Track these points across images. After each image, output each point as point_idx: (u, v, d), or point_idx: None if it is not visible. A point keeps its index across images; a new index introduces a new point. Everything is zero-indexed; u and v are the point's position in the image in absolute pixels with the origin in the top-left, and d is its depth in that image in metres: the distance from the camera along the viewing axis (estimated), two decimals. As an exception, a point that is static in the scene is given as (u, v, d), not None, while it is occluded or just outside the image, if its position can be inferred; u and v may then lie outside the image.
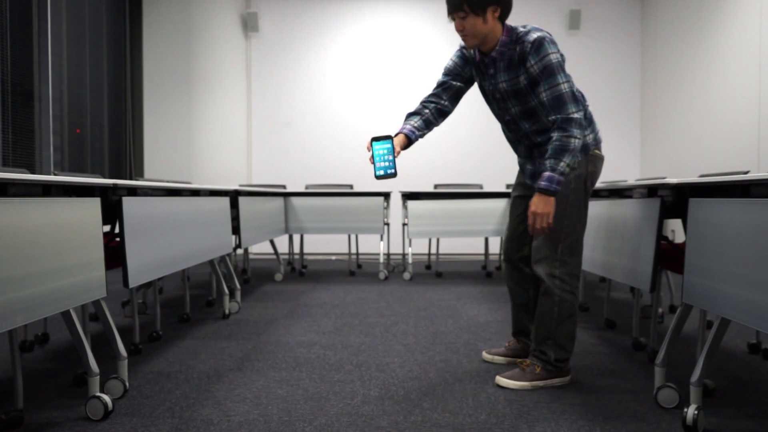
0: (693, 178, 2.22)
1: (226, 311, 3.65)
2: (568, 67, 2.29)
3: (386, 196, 5.40)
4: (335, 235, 5.70)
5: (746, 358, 2.77)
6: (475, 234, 5.28)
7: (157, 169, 6.35)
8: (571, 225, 2.29)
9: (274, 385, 2.35)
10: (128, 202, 2.36)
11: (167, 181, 4.01)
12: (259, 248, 6.94)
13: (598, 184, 3.23)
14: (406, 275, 5.22)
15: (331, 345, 2.96)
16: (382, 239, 5.48)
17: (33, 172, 3.36)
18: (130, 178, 6.04)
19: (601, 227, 2.82)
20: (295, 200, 5.44)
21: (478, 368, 2.57)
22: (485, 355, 2.69)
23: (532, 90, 2.28)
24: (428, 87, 2.65)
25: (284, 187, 6.20)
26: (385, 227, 5.39)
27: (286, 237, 6.02)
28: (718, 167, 5.09)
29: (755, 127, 4.98)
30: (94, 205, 2.11)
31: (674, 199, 2.18)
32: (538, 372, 2.32)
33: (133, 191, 2.50)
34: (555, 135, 2.20)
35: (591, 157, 2.33)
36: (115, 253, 2.37)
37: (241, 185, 5.98)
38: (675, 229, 4.98)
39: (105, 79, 5.85)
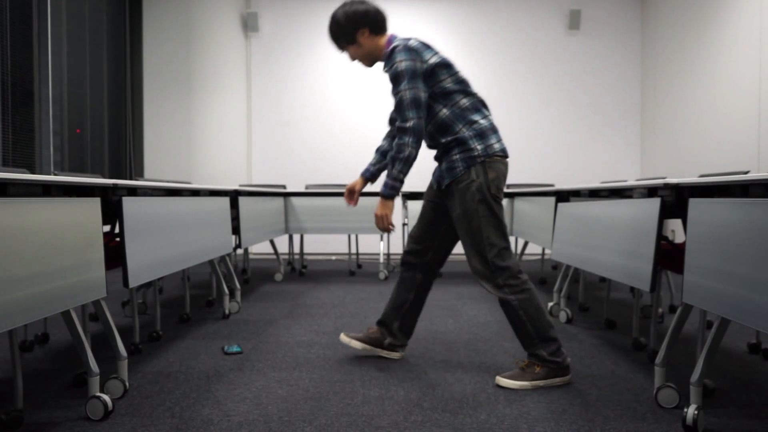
0: (693, 178, 2.22)
1: (226, 311, 3.65)
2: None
3: (386, 196, 5.39)
4: (335, 235, 5.70)
5: (746, 358, 2.77)
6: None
7: (157, 169, 6.34)
8: (490, 235, 2.35)
9: (274, 385, 2.35)
10: (128, 202, 2.36)
11: (167, 181, 4.01)
12: (259, 248, 6.95)
13: (598, 185, 3.23)
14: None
15: (331, 345, 2.96)
16: (382, 239, 5.49)
17: (33, 172, 3.36)
18: (130, 178, 6.04)
19: (601, 227, 2.82)
20: (295, 200, 5.44)
21: (478, 368, 2.57)
22: (342, 337, 2.74)
23: (396, 89, 2.36)
24: None
25: (284, 187, 6.20)
26: (385, 227, 5.38)
27: (286, 237, 6.03)
28: (719, 167, 5.09)
29: (755, 126, 4.98)
30: (94, 205, 2.11)
31: (674, 199, 2.18)
32: (538, 371, 2.32)
33: (133, 191, 2.50)
34: (393, 145, 2.36)
35: (488, 165, 2.36)
36: (115, 253, 2.37)
37: (241, 185, 5.98)
38: (675, 229, 4.98)
39: (105, 79, 5.85)
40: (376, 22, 2.46)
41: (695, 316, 2.60)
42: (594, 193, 3.19)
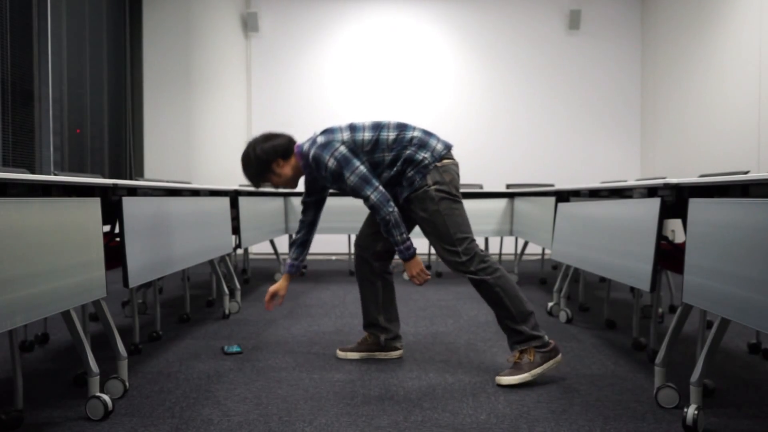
0: (693, 178, 2.22)
1: (226, 311, 3.65)
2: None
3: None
4: (335, 235, 5.70)
5: (746, 358, 2.77)
6: (475, 234, 5.19)
7: (157, 169, 6.34)
8: (456, 231, 2.45)
9: (274, 385, 2.35)
10: (128, 202, 2.36)
11: (167, 181, 4.01)
12: (259, 248, 6.94)
13: (598, 185, 3.23)
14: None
15: (331, 345, 2.96)
16: (382, 239, 5.47)
17: (33, 172, 3.36)
18: (130, 178, 6.04)
19: (601, 227, 2.82)
20: (295, 200, 5.44)
21: (478, 368, 2.57)
22: (339, 353, 2.76)
23: (343, 182, 2.48)
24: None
25: (284, 187, 6.19)
26: (385, 227, 5.38)
27: (286, 237, 6.02)
28: (718, 167, 5.08)
29: (755, 127, 4.98)
30: (94, 205, 2.11)
31: (674, 199, 2.18)
32: (533, 360, 2.36)
33: (133, 191, 2.50)
34: (376, 219, 2.49)
35: (441, 169, 2.47)
36: (115, 253, 2.37)
37: (241, 185, 5.97)
38: (675, 229, 4.98)
39: (105, 79, 5.84)
40: (285, 150, 2.57)
41: (695, 316, 2.60)
42: (594, 193, 3.19)
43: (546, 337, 2.41)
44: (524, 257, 5.70)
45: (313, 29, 7.42)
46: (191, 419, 1.99)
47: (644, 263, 2.27)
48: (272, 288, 2.76)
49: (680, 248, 2.27)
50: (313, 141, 2.51)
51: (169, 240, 2.79)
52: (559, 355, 2.42)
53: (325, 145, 2.46)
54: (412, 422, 1.97)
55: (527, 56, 7.34)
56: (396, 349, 2.75)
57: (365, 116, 7.38)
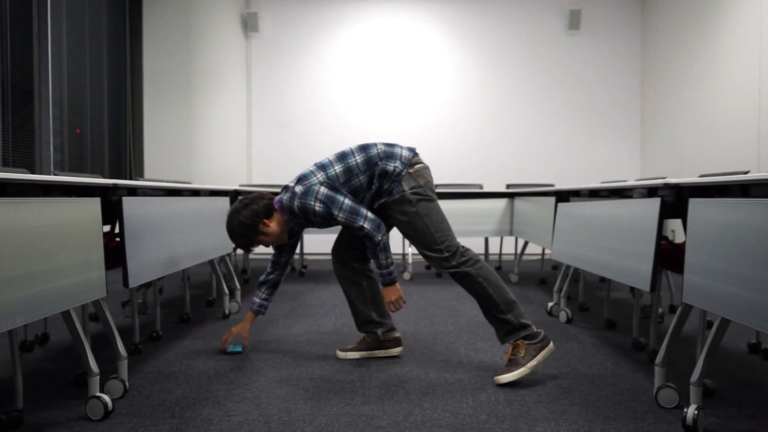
0: (693, 178, 2.22)
1: (226, 311, 3.65)
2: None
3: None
4: (335, 235, 5.69)
5: (746, 358, 2.77)
6: (475, 234, 5.27)
7: (157, 169, 6.34)
8: (437, 229, 2.50)
9: (274, 385, 2.35)
10: (128, 202, 2.36)
11: (167, 181, 4.01)
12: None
13: (598, 185, 3.23)
14: (406, 275, 5.22)
15: (331, 345, 2.96)
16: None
17: (33, 172, 3.36)
18: (130, 178, 6.04)
19: (601, 227, 2.82)
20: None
21: (478, 368, 2.57)
22: (338, 353, 2.77)
23: (333, 220, 2.53)
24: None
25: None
26: (385, 227, 5.38)
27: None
28: (719, 167, 5.08)
29: (755, 126, 4.98)
30: (94, 205, 2.11)
31: (674, 199, 2.18)
32: (525, 354, 2.37)
33: (133, 191, 2.50)
34: (367, 246, 2.55)
35: (414, 174, 2.54)
36: (115, 253, 2.37)
37: (241, 185, 5.98)
38: (675, 229, 4.98)
39: (105, 79, 5.84)
40: (267, 210, 2.58)
41: (695, 316, 2.60)
42: (594, 193, 3.19)
43: (534, 327, 2.44)
44: (524, 257, 5.70)
45: (313, 29, 7.43)
46: (191, 419, 1.99)
47: (644, 263, 2.27)
48: (235, 329, 2.82)
49: (680, 248, 2.27)
50: (292, 192, 2.54)
51: (169, 240, 2.79)
52: (551, 344, 2.44)
53: (307, 192, 2.50)
54: (412, 422, 1.97)
55: (527, 56, 7.34)
56: (395, 344, 2.77)
57: (365, 116, 7.39)
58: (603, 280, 4.80)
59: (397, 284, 2.60)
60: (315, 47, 7.43)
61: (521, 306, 2.49)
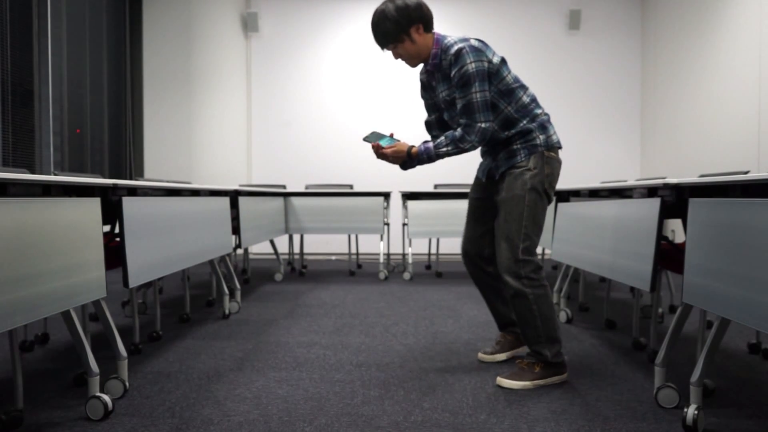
0: (693, 178, 2.22)
1: (226, 311, 3.65)
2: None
3: (386, 196, 5.40)
4: (335, 235, 5.70)
5: (746, 358, 2.77)
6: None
7: (157, 169, 6.34)
8: (528, 225, 2.33)
9: (274, 385, 2.35)
10: (128, 202, 2.36)
11: (167, 181, 4.01)
12: (259, 248, 6.94)
13: (598, 185, 3.23)
14: (406, 275, 5.22)
15: (331, 345, 2.96)
16: (382, 239, 5.48)
17: (33, 172, 3.36)
18: (130, 178, 6.04)
19: (601, 227, 2.82)
20: (295, 200, 5.44)
21: (478, 368, 2.57)
22: (482, 356, 2.69)
23: (464, 92, 2.31)
24: None
25: (284, 187, 6.20)
26: (385, 227, 5.39)
27: (286, 237, 6.02)
28: (719, 167, 5.08)
29: (755, 126, 4.98)
30: (94, 205, 2.11)
31: (674, 199, 2.18)
32: (538, 371, 2.33)
33: (133, 191, 2.50)
34: (457, 131, 2.32)
35: (546, 159, 2.39)
36: (115, 253, 2.37)
37: (241, 185, 5.97)
38: (675, 229, 4.98)
39: (105, 79, 5.84)
40: (428, 20, 2.38)
41: (695, 316, 2.60)
42: (594, 193, 3.19)
43: (565, 366, 2.37)
44: (524, 257, 5.69)
45: (312, 29, 7.42)
46: (191, 419, 1.99)
47: (644, 263, 2.27)
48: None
49: (680, 248, 2.27)
50: (464, 38, 2.33)
51: (169, 240, 2.79)
52: (566, 374, 2.38)
53: (477, 50, 2.29)
54: (412, 422, 1.97)
55: (527, 56, 7.33)
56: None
57: (365, 116, 7.40)
58: (603, 280, 4.80)
59: (404, 159, 2.39)
60: (315, 47, 7.43)
61: (563, 341, 2.36)
